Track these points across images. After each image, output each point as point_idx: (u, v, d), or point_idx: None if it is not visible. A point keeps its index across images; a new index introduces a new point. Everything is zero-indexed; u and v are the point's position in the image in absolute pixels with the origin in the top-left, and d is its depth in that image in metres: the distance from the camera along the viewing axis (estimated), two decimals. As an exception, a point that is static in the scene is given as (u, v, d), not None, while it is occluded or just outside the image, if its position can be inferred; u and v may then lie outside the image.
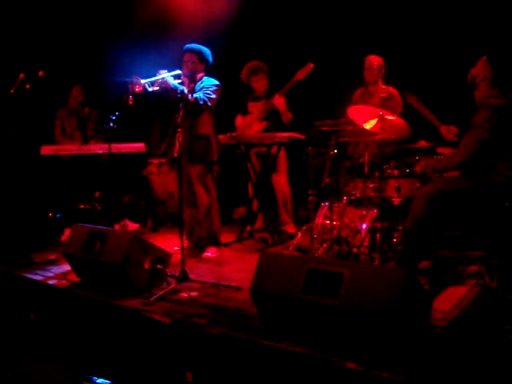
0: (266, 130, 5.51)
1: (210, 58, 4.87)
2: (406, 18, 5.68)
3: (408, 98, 4.47)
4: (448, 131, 4.11)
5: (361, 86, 5.32)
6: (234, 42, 6.48)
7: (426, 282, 3.56)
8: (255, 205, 5.69)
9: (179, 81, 4.55)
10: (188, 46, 4.81)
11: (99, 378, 3.39)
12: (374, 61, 5.09)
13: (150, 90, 4.46)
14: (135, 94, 4.44)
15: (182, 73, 4.60)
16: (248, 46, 6.49)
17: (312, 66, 5.13)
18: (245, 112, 5.79)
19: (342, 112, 4.47)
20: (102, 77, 6.26)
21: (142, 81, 4.41)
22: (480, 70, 3.73)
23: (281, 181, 5.67)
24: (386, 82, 5.18)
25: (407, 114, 4.66)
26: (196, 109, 4.66)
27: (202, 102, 4.63)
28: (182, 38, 5.50)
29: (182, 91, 4.43)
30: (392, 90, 5.11)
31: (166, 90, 4.49)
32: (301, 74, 5.18)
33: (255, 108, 5.69)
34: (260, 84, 5.64)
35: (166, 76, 4.46)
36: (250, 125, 5.66)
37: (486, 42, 4.88)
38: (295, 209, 5.96)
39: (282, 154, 5.66)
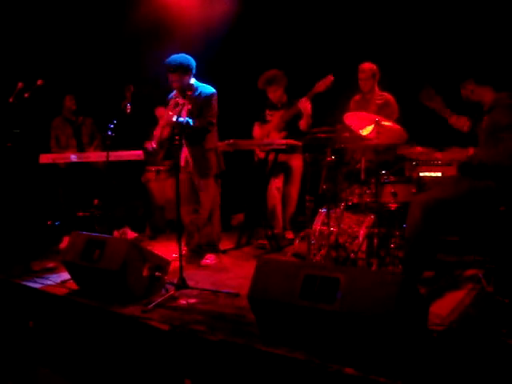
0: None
1: (193, 64, 4.70)
2: (402, 23, 5.72)
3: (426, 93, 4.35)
4: (457, 120, 4.07)
5: (358, 93, 5.34)
6: (236, 47, 6.53)
7: (426, 291, 3.58)
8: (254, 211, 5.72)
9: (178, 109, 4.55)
10: (167, 65, 4.60)
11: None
12: (367, 68, 5.12)
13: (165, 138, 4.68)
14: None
15: (173, 96, 4.69)
16: (252, 53, 6.54)
17: (332, 78, 5.10)
18: (263, 120, 5.80)
19: (339, 118, 4.50)
20: (95, 82, 6.30)
21: (153, 144, 4.69)
22: (464, 92, 3.90)
23: (292, 192, 5.67)
24: (383, 89, 5.21)
25: (403, 119, 4.69)
26: (203, 133, 4.72)
27: (209, 128, 4.70)
28: (180, 43, 5.55)
29: (188, 122, 4.46)
30: (388, 95, 5.14)
31: (177, 129, 4.42)
32: (320, 87, 5.17)
33: (273, 117, 5.69)
34: (276, 94, 5.63)
35: (169, 117, 4.50)
36: (268, 133, 5.67)
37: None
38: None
39: (298, 164, 5.66)
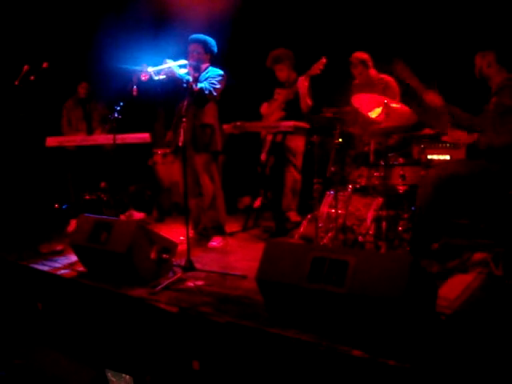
0: (282, 119, 5.52)
1: (215, 49, 4.88)
2: (404, 13, 5.65)
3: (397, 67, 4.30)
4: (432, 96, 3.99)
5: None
6: (239, 30, 6.47)
7: (437, 264, 3.58)
8: (262, 193, 5.72)
9: (185, 70, 4.55)
10: (193, 36, 4.82)
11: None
12: (355, 58, 5.07)
13: (156, 78, 4.47)
14: (140, 83, 4.45)
15: (188, 63, 4.60)
16: (252, 34, 6.49)
17: (324, 60, 5.08)
18: (272, 98, 5.82)
19: (343, 100, 4.46)
20: (106, 66, 6.27)
21: (149, 69, 4.42)
22: (480, 60, 3.77)
23: (294, 172, 5.67)
24: (381, 71, 5.14)
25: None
26: (201, 98, 4.66)
27: (207, 92, 4.63)
28: (188, 27, 5.51)
29: (188, 81, 4.44)
30: (387, 77, 5.08)
31: (172, 80, 4.49)
32: (314, 69, 5.14)
33: (280, 95, 5.72)
34: (283, 73, 5.65)
35: (172, 65, 4.47)
36: (272, 112, 5.70)
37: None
38: (301, 198, 5.97)
39: (300, 146, 5.65)
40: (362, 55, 5.09)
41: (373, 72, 5.12)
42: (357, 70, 5.10)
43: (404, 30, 5.57)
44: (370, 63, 5.10)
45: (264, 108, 5.86)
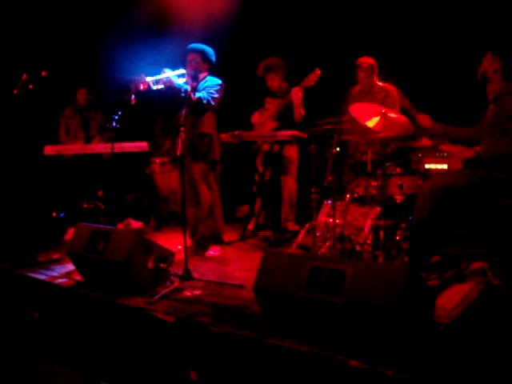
0: (276, 130, 5.52)
1: (214, 58, 4.90)
2: (400, 17, 5.68)
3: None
4: (424, 119, 4.04)
5: (354, 85, 5.32)
6: (236, 39, 6.49)
7: (436, 276, 3.58)
8: (258, 203, 5.71)
9: (184, 80, 4.57)
10: (191, 45, 4.84)
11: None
12: (366, 63, 5.09)
13: (155, 88, 4.49)
14: (138, 93, 4.46)
15: (186, 72, 4.62)
16: (249, 43, 6.52)
17: (319, 72, 5.10)
18: (263, 107, 5.82)
19: (342, 110, 4.48)
20: (106, 76, 6.29)
21: (147, 78, 4.44)
22: (489, 64, 3.77)
23: (289, 181, 5.68)
24: (383, 80, 5.17)
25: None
26: (199, 108, 4.68)
27: (205, 102, 4.65)
28: (184, 36, 5.53)
29: (186, 90, 4.46)
30: (389, 86, 5.10)
31: (170, 89, 4.50)
32: (309, 80, 5.16)
33: (271, 105, 5.72)
34: (274, 82, 5.66)
35: (171, 75, 4.48)
36: (264, 122, 5.69)
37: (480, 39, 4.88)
38: (298, 207, 5.97)
39: (294, 154, 5.68)
40: (370, 60, 5.11)
41: (375, 79, 5.15)
42: (365, 73, 5.10)
43: (396, 42, 5.61)
44: (376, 69, 5.12)
45: (255, 117, 5.86)
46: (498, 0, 5.08)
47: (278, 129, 5.50)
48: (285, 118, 5.56)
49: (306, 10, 6.26)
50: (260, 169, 5.73)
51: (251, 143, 5.73)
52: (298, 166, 5.74)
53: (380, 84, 5.14)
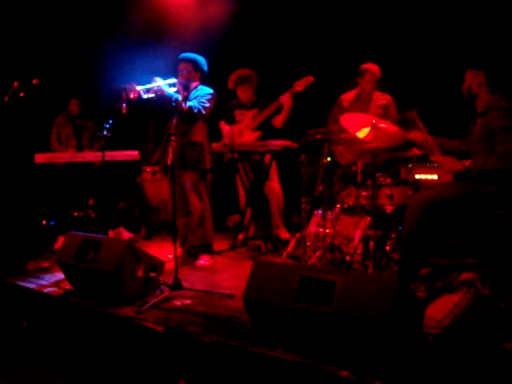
0: (260, 139, 5.53)
1: (205, 67, 4.91)
2: (391, 26, 5.74)
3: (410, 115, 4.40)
4: (415, 135, 4.04)
5: (346, 91, 5.34)
6: (227, 48, 6.51)
7: (425, 288, 3.58)
8: (248, 212, 5.71)
9: (174, 89, 4.57)
10: (183, 55, 4.85)
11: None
12: (375, 70, 5.12)
13: (145, 96, 4.48)
14: (129, 102, 4.46)
15: (177, 81, 4.63)
16: (239, 52, 6.54)
17: (311, 79, 5.13)
18: (230, 119, 5.79)
19: (326, 119, 4.52)
20: (97, 84, 6.30)
21: (138, 87, 4.44)
22: (471, 79, 3.79)
23: (275, 187, 5.69)
24: (383, 89, 5.21)
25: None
26: (190, 117, 4.68)
27: (196, 111, 4.65)
28: (176, 46, 5.55)
29: (177, 99, 4.46)
30: (389, 97, 5.14)
31: (161, 98, 4.50)
32: (299, 86, 5.19)
33: (244, 117, 5.70)
34: (247, 94, 5.67)
35: (162, 84, 4.49)
36: (240, 133, 5.66)
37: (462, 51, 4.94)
38: (289, 217, 5.98)
39: (269, 156, 5.67)
40: (376, 66, 5.16)
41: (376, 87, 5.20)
42: (372, 78, 5.13)
43: (387, 52, 5.65)
44: (379, 76, 5.16)
45: (226, 129, 5.79)
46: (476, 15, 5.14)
47: (262, 138, 5.51)
48: (263, 127, 5.57)
49: (296, 20, 6.30)
50: (246, 178, 5.69)
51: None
52: (278, 171, 5.75)
53: (381, 93, 5.18)
